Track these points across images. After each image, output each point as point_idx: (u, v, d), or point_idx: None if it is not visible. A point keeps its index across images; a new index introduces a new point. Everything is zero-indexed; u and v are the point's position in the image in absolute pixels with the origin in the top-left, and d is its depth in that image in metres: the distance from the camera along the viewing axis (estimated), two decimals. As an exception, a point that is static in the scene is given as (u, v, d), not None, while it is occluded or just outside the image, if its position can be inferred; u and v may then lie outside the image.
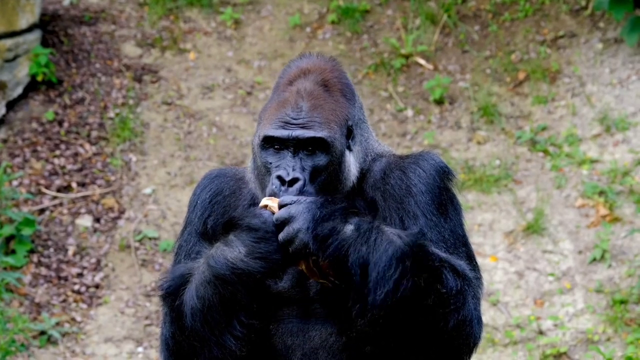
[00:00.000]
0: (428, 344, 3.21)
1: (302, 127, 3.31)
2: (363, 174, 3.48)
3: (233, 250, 3.13)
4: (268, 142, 3.33)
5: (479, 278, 3.40)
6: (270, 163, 3.32)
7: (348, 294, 3.14)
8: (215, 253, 3.17)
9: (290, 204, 3.14)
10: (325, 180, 3.33)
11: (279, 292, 3.34)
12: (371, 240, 3.09)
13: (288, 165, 3.29)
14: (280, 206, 3.16)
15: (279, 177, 3.28)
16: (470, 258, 3.40)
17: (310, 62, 3.49)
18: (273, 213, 3.17)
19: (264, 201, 3.21)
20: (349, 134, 3.43)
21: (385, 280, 3.07)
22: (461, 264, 3.28)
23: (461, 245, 3.38)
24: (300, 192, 3.26)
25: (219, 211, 3.52)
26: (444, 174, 3.41)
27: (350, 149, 3.43)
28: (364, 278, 3.09)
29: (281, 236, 3.13)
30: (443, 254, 3.24)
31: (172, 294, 3.27)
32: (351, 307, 3.14)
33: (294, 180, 3.27)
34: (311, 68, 3.46)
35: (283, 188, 3.26)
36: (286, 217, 3.13)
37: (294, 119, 3.32)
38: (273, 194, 3.26)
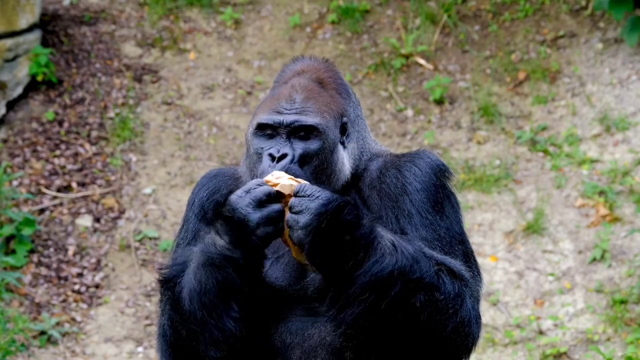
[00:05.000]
0: (424, 347, 3.21)
1: (295, 114, 3.36)
2: (360, 173, 3.49)
3: (220, 239, 3.18)
4: (261, 129, 3.38)
5: (476, 276, 3.40)
6: (262, 148, 3.36)
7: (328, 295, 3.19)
8: (208, 240, 3.22)
9: (307, 196, 3.13)
10: (317, 168, 3.36)
11: (277, 289, 3.35)
12: (359, 256, 3.10)
13: (279, 145, 3.33)
14: (296, 193, 3.15)
15: (270, 155, 3.32)
16: (467, 256, 3.40)
17: (304, 64, 3.55)
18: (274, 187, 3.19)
19: (268, 177, 3.23)
20: (344, 130, 3.45)
21: (355, 302, 3.12)
22: (457, 264, 3.28)
23: (457, 243, 3.38)
24: (287, 167, 3.29)
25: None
26: (440, 172, 3.41)
27: (344, 146, 3.45)
28: (346, 288, 3.14)
29: (287, 220, 3.14)
30: (439, 256, 3.24)
31: (171, 280, 3.31)
32: (327, 310, 3.19)
33: (283, 156, 3.31)
34: (305, 69, 3.52)
35: (272, 164, 3.29)
36: (297, 208, 3.12)
37: (287, 108, 3.37)
38: (263, 173, 3.29)
